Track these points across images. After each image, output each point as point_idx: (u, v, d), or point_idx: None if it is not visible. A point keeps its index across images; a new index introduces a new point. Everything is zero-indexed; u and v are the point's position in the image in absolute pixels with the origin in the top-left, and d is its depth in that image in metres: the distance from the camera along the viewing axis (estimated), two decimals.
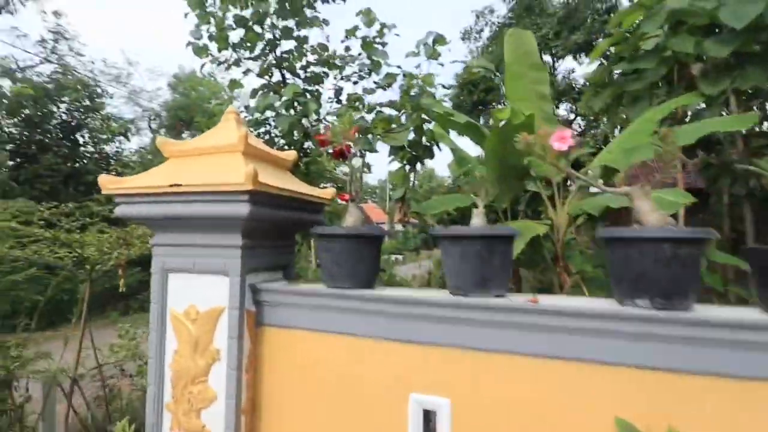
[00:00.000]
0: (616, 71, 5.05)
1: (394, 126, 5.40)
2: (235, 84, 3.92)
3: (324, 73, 4.07)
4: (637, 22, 4.53)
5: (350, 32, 3.99)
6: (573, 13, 12.24)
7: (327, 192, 2.42)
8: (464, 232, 1.65)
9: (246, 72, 3.94)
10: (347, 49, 4.16)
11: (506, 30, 4.73)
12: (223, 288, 1.90)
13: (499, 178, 4.71)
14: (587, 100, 5.43)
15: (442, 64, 4.00)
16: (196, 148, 2.04)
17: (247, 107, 3.89)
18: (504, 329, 1.53)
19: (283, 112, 3.61)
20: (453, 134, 5.11)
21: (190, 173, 1.87)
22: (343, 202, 2.07)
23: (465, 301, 1.59)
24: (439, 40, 3.80)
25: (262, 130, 3.95)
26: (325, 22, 4.00)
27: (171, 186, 1.81)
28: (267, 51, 3.88)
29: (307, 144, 4.29)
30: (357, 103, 3.94)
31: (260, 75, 3.91)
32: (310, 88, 3.77)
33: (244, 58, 3.88)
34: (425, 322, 1.67)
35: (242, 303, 1.89)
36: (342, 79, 4.18)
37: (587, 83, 5.28)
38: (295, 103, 3.63)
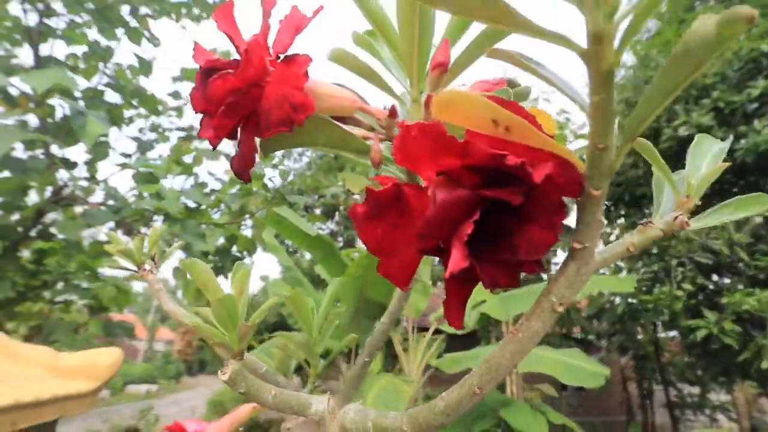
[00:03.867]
0: None
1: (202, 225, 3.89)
2: None
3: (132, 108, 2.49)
4: None
5: (189, 73, 2.67)
6: None
7: None
8: None
9: None
10: (176, 95, 2.77)
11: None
12: None
13: (353, 313, 3.70)
14: None
15: None
16: None
17: None
18: None
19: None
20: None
21: None
22: None
23: None
24: None
25: None
26: (154, 41, 2.58)
27: None
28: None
29: (53, 216, 2.37)
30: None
31: None
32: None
33: None
34: None
35: None
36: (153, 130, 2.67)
37: None
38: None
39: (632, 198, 5.55)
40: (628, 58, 5.77)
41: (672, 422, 9.40)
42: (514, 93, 0.35)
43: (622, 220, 6.49)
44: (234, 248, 5.33)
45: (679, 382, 9.49)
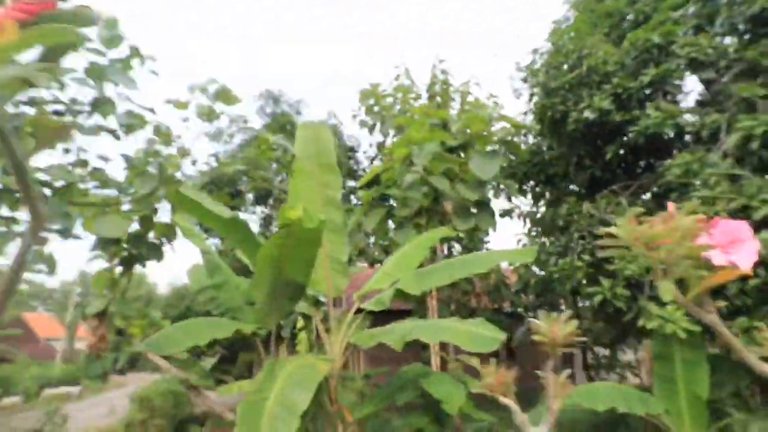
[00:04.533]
0: (384, 195, 5.39)
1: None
2: None
3: None
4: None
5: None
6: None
7: None
8: None
9: None
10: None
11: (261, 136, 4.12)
12: None
13: (270, 295, 3.63)
14: (359, 219, 5.43)
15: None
16: None
17: None
18: None
19: None
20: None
21: None
22: None
23: None
24: (225, 95, 2.71)
25: None
26: None
27: None
28: None
29: None
30: None
31: None
32: None
33: None
34: None
35: None
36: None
37: (360, 202, 5.32)
38: None
39: (546, 177, 5.93)
40: (544, 45, 6.07)
41: (588, 382, 10.38)
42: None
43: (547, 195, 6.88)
44: (151, 234, 4.99)
45: (595, 346, 10.43)
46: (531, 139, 6.64)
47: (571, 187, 5.87)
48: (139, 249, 4.85)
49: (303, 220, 3.05)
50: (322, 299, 4.18)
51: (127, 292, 5.71)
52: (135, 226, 4.65)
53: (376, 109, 8.87)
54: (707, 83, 4.67)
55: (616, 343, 8.44)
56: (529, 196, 7.28)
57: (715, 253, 0.89)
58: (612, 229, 0.87)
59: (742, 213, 3.31)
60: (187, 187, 2.86)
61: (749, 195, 3.21)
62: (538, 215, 7.05)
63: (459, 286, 8.84)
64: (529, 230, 7.13)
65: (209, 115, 2.77)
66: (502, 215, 7.25)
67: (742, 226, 0.95)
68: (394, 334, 3.11)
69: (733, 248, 0.89)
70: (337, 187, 3.66)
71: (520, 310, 10.68)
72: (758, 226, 3.21)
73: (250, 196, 10.59)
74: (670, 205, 0.93)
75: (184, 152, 2.76)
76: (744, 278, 3.13)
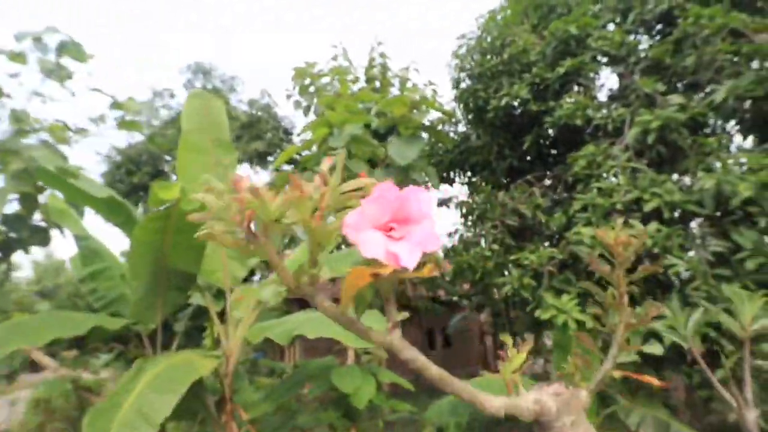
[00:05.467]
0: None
1: None
2: None
3: None
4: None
5: None
6: (256, 123, 12.85)
7: None
8: None
9: None
10: None
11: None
12: None
13: (151, 285, 3.25)
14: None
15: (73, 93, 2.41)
16: None
17: None
18: None
19: None
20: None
21: None
22: None
23: None
24: (74, 50, 2.27)
25: None
26: None
27: None
28: None
29: None
30: None
31: None
32: None
33: None
34: None
35: None
36: None
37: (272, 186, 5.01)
38: None
39: (470, 165, 5.92)
40: (473, 32, 5.98)
41: None
42: None
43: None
44: (35, 215, 4.44)
45: (525, 333, 10.82)
46: (462, 128, 6.59)
47: (493, 176, 5.91)
48: (19, 232, 4.27)
49: (181, 201, 2.72)
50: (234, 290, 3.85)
51: (6, 280, 5.05)
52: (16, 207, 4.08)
53: (311, 89, 8.45)
54: (621, 77, 4.79)
55: (532, 332, 8.75)
56: (466, 185, 7.27)
57: (368, 240, 0.48)
58: (202, 197, 0.57)
59: (635, 205, 3.37)
60: (27, 160, 2.42)
61: (642, 188, 3.28)
62: (474, 205, 7.05)
63: None
64: (465, 219, 7.11)
65: (57, 72, 2.32)
66: (440, 204, 7.20)
67: (415, 195, 0.50)
68: (282, 327, 2.89)
69: (399, 231, 0.50)
70: (232, 166, 3.32)
71: (455, 298, 10.83)
72: (648, 218, 3.29)
73: (174, 177, 9.86)
74: (326, 161, 0.56)
75: (18, 117, 2.31)
76: (632, 269, 3.21)
